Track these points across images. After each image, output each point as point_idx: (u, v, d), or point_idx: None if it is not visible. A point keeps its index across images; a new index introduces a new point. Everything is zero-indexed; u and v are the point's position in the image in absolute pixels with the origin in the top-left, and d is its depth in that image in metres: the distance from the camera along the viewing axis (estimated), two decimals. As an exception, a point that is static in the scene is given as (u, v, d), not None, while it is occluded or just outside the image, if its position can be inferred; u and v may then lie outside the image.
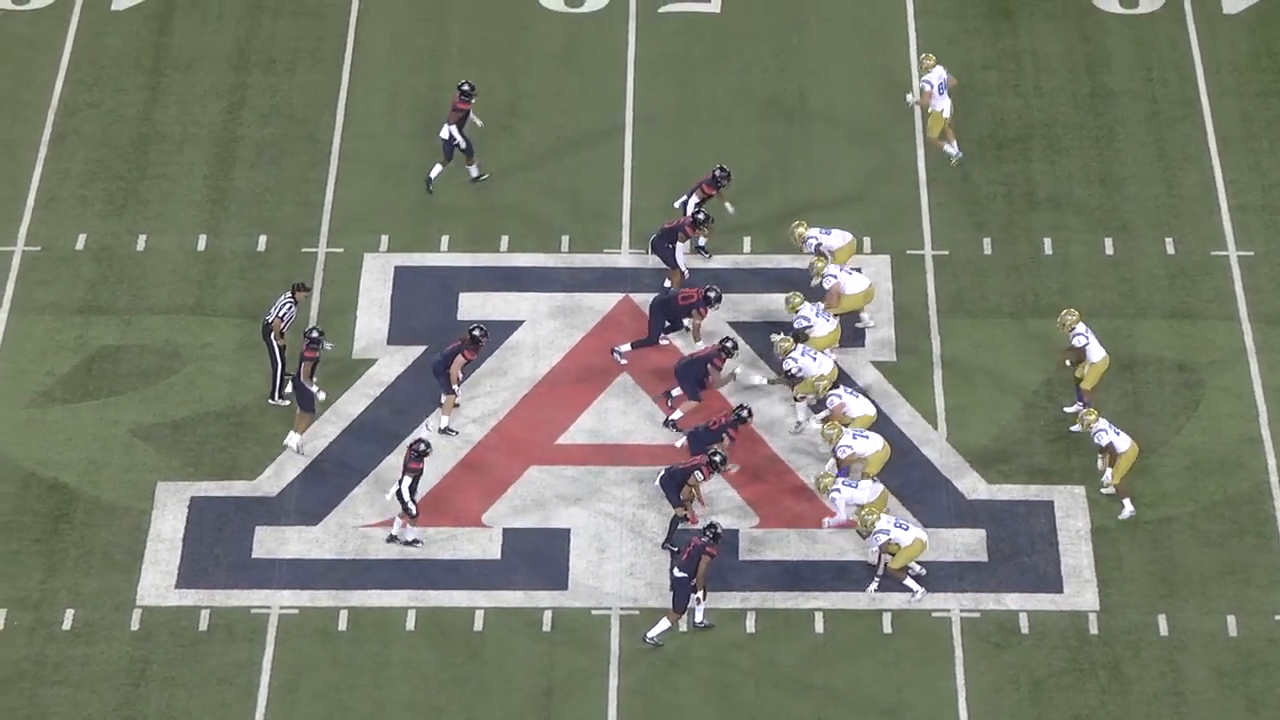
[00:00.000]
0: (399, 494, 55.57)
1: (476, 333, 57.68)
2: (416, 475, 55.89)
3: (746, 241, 62.68)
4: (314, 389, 57.73)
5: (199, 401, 59.40)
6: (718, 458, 55.69)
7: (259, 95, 66.95)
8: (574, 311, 61.56)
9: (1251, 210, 63.03)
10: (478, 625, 54.87)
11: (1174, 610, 54.87)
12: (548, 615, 55.05)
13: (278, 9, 69.46)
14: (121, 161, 64.58)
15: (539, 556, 56.32)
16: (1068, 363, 57.92)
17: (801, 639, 54.72)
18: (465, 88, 65.11)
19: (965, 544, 56.31)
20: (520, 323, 61.38)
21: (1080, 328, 57.70)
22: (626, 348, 60.10)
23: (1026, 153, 64.88)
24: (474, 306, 61.89)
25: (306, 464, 58.32)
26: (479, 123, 65.12)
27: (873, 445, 56.75)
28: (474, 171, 66.45)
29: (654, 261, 62.01)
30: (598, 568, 56.03)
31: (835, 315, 59.55)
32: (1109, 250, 62.34)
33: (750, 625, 54.86)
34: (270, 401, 58.59)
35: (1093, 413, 56.22)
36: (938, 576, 55.90)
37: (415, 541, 55.49)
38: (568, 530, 56.79)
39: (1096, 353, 57.71)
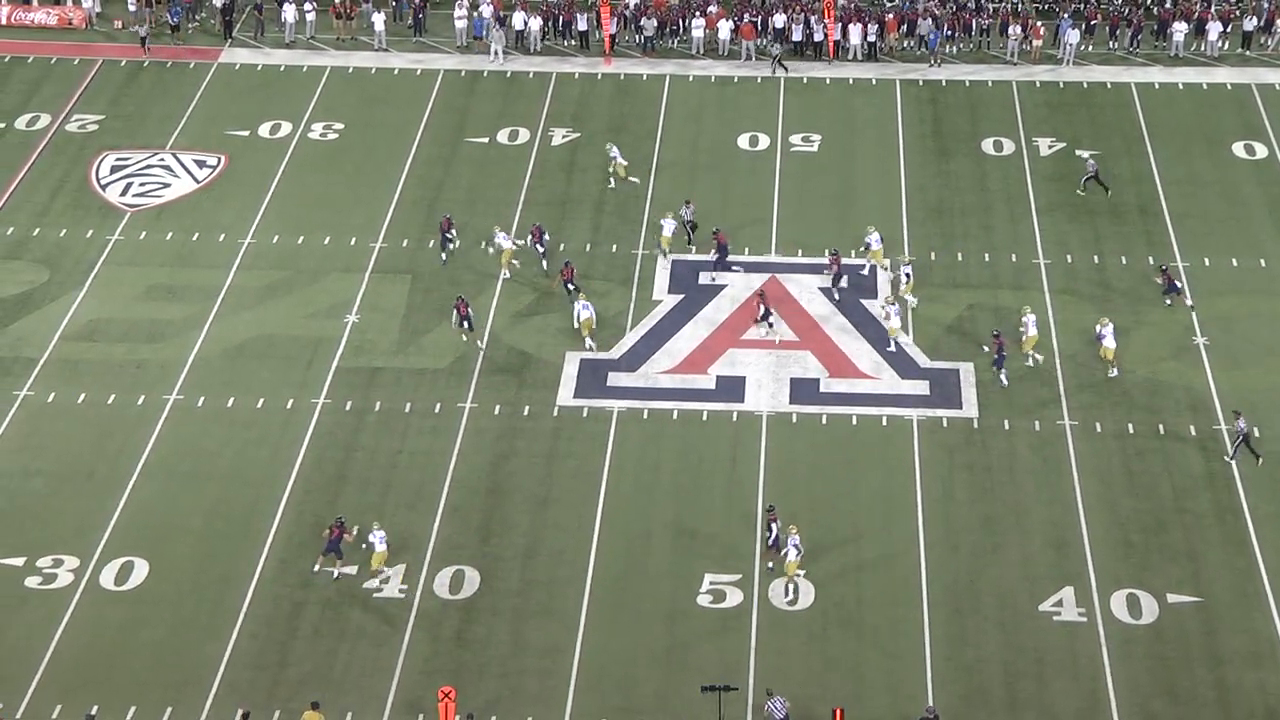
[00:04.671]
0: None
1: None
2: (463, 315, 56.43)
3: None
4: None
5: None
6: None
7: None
8: (750, 282, 59.26)
9: (1051, 241, 61.46)
10: (704, 418, 53.82)
11: (1011, 418, 53.59)
12: (735, 414, 53.96)
13: (621, 128, 68.79)
14: (554, 210, 63.98)
15: (731, 387, 54.89)
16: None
17: (848, 427, 53.93)
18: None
19: (918, 387, 54.92)
20: (726, 285, 59.37)
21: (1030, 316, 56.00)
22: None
23: (952, 215, 63.18)
24: (706, 278, 59.60)
25: (633, 343, 56.65)
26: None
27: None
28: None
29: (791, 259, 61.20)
30: (757, 393, 54.68)
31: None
32: (986, 259, 61.03)
33: (824, 420, 53.76)
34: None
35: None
36: (907, 404, 54.02)
37: None
38: (744, 377, 55.39)
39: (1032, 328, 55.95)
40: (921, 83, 72.55)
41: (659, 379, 55.88)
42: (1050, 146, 67.54)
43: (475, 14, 75.78)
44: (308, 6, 76.61)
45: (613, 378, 55.89)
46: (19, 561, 48.92)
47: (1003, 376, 55.05)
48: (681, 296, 59.53)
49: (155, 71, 74.03)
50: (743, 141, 68.68)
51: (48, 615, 47.18)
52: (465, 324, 56.72)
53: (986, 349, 55.93)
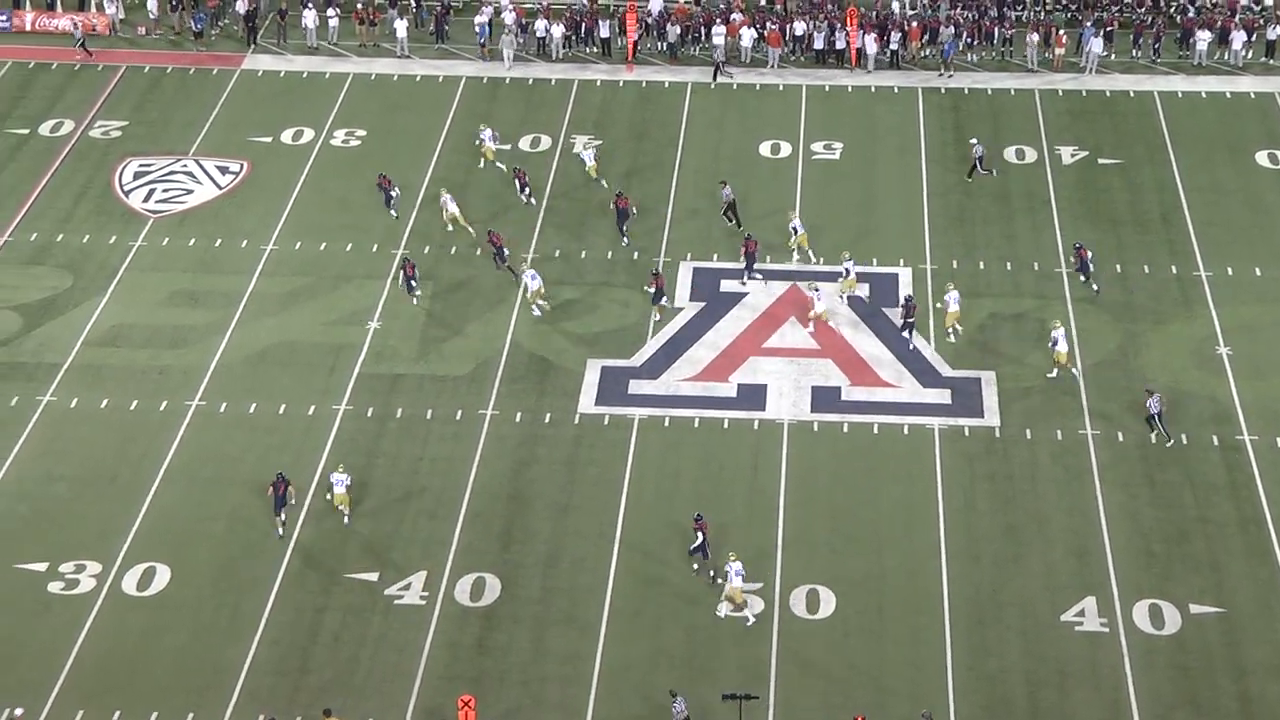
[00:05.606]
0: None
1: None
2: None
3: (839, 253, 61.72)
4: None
5: (614, 323, 58.01)
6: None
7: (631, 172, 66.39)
8: (771, 290, 59.52)
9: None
10: (725, 426, 53.84)
11: (1033, 426, 53.62)
12: (755, 422, 53.99)
13: (643, 134, 69.30)
14: (575, 217, 64.15)
15: (752, 395, 54.94)
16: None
17: (869, 435, 53.92)
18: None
19: (940, 395, 54.92)
20: (747, 293, 59.40)
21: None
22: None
23: (974, 223, 63.26)
24: (728, 286, 59.68)
25: (654, 351, 56.62)
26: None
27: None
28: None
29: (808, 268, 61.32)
30: (778, 401, 54.70)
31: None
32: (1008, 267, 61.03)
33: (845, 428, 53.84)
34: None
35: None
36: (928, 412, 54.08)
37: None
38: (765, 385, 55.43)
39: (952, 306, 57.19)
40: (943, 91, 72.54)
41: (680, 387, 55.85)
42: (1073, 155, 67.48)
43: (492, 19, 75.75)
44: (331, 12, 76.81)
45: (634, 385, 55.89)
46: (42, 567, 49.06)
47: (911, 343, 56.68)
48: (703, 304, 59.50)
49: (178, 78, 74.27)
50: (764, 149, 68.64)
51: (70, 621, 47.33)
52: (411, 284, 58.46)
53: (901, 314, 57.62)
